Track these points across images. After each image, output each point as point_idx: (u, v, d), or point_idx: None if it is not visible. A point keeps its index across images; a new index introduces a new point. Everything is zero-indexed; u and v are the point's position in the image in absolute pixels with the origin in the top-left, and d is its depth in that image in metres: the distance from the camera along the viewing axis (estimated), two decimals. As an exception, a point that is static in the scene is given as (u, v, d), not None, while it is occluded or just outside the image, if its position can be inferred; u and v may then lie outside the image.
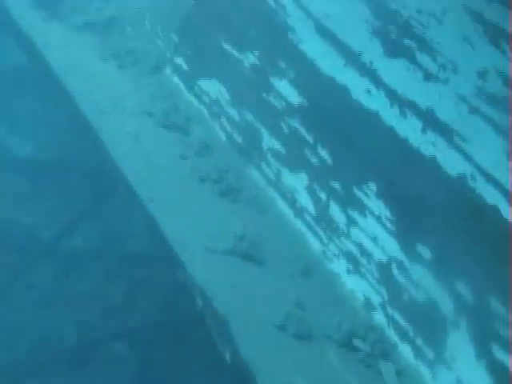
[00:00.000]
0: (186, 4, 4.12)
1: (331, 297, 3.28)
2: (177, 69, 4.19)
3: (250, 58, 3.72)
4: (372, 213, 3.14)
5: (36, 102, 5.73)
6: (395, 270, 3.07)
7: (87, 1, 4.55)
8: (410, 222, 3.03)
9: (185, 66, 4.14)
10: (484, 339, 2.72)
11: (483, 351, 2.72)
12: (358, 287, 3.25)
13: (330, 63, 3.30)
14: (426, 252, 2.95)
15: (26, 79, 5.53)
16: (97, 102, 4.01)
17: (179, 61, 4.17)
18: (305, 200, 3.48)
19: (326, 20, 3.31)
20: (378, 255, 3.14)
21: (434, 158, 2.89)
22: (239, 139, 3.83)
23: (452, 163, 2.82)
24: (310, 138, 3.42)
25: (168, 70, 4.23)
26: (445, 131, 2.84)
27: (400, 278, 3.05)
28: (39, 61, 4.34)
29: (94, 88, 4.11)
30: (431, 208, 2.93)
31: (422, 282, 2.97)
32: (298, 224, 3.52)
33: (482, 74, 2.68)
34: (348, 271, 3.29)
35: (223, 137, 3.91)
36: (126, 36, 4.41)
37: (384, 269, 3.12)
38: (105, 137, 3.82)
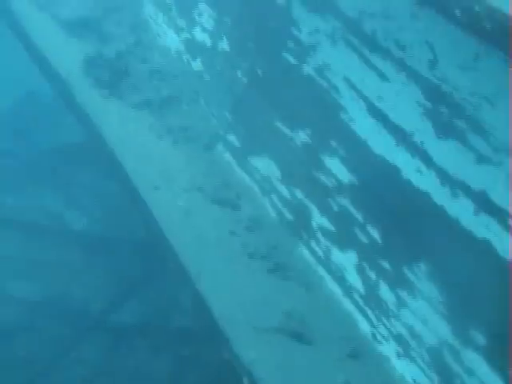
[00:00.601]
0: (241, 84, 4.22)
1: (380, 380, 3.19)
2: (229, 146, 4.27)
3: (302, 136, 3.76)
4: (422, 294, 3.08)
5: (92, 177, 5.92)
6: (447, 355, 2.98)
7: (146, 80, 4.72)
8: (462, 305, 2.95)
9: (237, 143, 4.22)
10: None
11: None
12: (408, 372, 3.15)
13: (381, 143, 3.31)
14: (479, 337, 2.85)
15: (84, 155, 5.72)
16: (150, 178, 4.10)
17: (231, 138, 4.25)
18: (354, 279, 3.43)
19: (377, 101, 3.34)
20: (429, 339, 3.05)
21: (487, 241, 2.83)
22: (289, 216, 3.84)
23: (507, 246, 2.76)
24: (359, 217, 3.40)
25: (220, 147, 4.31)
26: (499, 214, 2.79)
27: (452, 364, 2.95)
28: (97, 137, 4.49)
29: (149, 164, 4.21)
30: (485, 292, 2.85)
31: (476, 369, 2.86)
32: (347, 303, 3.47)
33: (537, 157, 2.65)
34: (398, 354, 3.21)
35: (273, 213, 3.93)
36: (182, 114, 4.53)
37: (435, 353, 3.03)
38: (156, 211, 3.89)
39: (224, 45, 4.41)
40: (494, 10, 2.45)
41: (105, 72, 4.70)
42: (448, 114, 3.00)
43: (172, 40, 4.92)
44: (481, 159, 2.86)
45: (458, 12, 2.60)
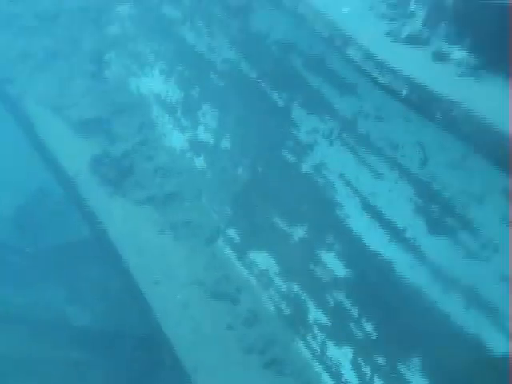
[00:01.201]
0: (241, 180, 4.35)
1: None
2: (229, 240, 4.35)
3: (299, 232, 3.84)
4: (416, 389, 3.07)
5: (96, 272, 5.98)
6: None
7: (150, 177, 4.86)
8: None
9: (236, 238, 4.30)
10: None
11: None
12: None
13: (375, 238, 3.38)
14: None
15: (89, 251, 5.80)
16: (151, 272, 4.17)
17: (231, 233, 4.34)
18: (349, 375, 3.42)
19: (372, 197, 3.43)
20: None
21: (477, 336, 2.85)
22: (286, 310, 3.87)
23: (496, 342, 2.77)
24: (354, 311, 3.43)
25: (221, 242, 4.39)
26: (488, 310, 2.82)
27: None
28: (101, 233, 4.58)
29: (150, 259, 4.29)
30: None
31: None
32: (343, 400, 3.45)
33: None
34: None
35: (271, 307, 3.96)
36: (184, 209, 4.64)
37: None
38: (156, 306, 3.93)
39: (226, 143, 4.57)
40: (470, 115, 2.56)
41: (110, 170, 4.85)
42: (438, 210, 3.08)
43: (177, 139, 5.09)
44: (470, 255, 2.92)
45: (438, 115, 2.72)
